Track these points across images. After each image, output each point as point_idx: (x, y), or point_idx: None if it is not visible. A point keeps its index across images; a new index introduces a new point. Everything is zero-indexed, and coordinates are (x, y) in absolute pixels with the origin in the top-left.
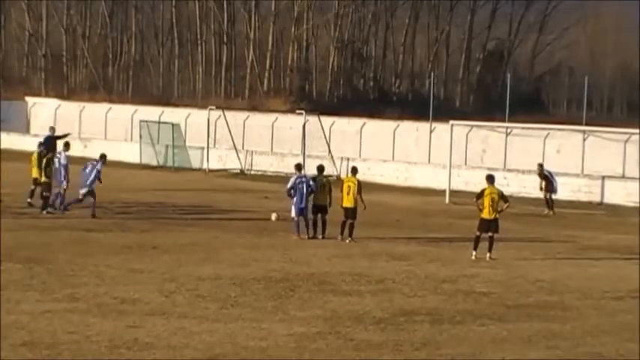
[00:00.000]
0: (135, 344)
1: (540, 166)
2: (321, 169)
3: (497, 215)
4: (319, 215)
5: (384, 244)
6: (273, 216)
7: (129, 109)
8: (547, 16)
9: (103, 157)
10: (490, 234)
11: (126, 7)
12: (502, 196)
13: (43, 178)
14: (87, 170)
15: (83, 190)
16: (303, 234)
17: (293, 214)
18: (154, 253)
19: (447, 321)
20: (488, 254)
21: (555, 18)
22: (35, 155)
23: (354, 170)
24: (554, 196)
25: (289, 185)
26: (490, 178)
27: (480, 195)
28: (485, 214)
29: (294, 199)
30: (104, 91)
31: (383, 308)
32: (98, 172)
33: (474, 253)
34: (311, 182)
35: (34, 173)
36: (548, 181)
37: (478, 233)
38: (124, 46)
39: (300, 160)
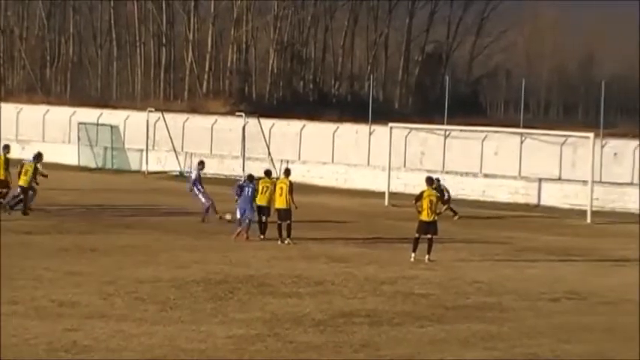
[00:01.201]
0: (73, 347)
1: (437, 180)
2: (268, 173)
3: (436, 217)
4: (263, 217)
5: (323, 246)
6: (228, 215)
7: (67, 111)
8: (485, 18)
9: None
10: (429, 236)
11: (64, 9)
12: (440, 198)
13: (23, 182)
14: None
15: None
16: (242, 235)
17: (238, 215)
18: (93, 256)
19: (386, 322)
20: (427, 256)
21: (493, 20)
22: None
23: (287, 172)
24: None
25: (238, 185)
26: (429, 181)
27: (419, 197)
28: (424, 216)
29: (239, 201)
30: (42, 92)
31: (322, 310)
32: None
33: (413, 254)
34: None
35: (22, 181)
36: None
37: (417, 235)
38: (61, 47)
39: (240, 162)
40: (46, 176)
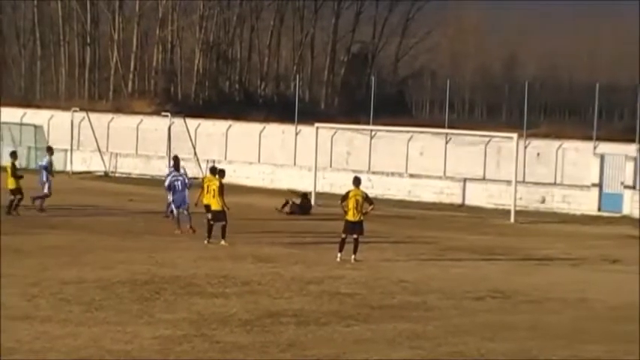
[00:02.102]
0: None
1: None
2: (213, 170)
3: (362, 217)
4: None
5: (249, 246)
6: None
7: None
8: (410, 19)
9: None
10: (355, 236)
11: None
12: (367, 198)
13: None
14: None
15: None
16: (184, 228)
17: (173, 209)
18: (17, 257)
19: (312, 322)
20: (353, 256)
21: (418, 21)
22: (10, 166)
23: (220, 171)
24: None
25: (167, 183)
26: (356, 181)
27: (345, 197)
28: (350, 216)
29: (172, 195)
30: None
31: (249, 310)
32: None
33: (339, 254)
34: (186, 180)
35: (11, 184)
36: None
37: (344, 235)
38: None
39: (166, 162)
40: (21, 177)
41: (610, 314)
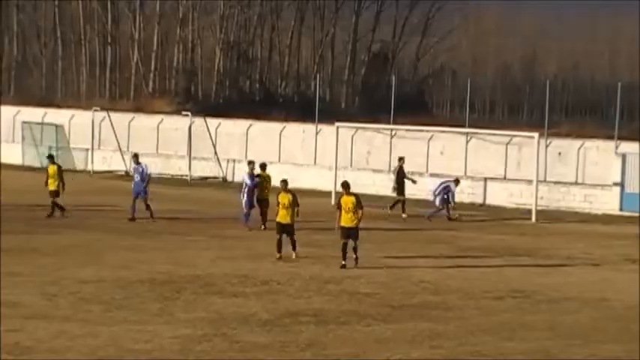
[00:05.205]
0: (15, 348)
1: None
2: (263, 166)
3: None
4: (264, 209)
5: (268, 246)
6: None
7: (11, 111)
8: (430, 19)
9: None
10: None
11: (7, 7)
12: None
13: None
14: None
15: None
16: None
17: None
18: (35, 256)
19: (332, 321)
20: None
21: (438, 21)
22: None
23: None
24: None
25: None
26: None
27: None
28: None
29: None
30: None
31: (268, 310)
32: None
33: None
34: (146, 172)
35: (52, 185)
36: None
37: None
38: (5, 46)
39: (186, 162)
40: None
41: (629, 314)
